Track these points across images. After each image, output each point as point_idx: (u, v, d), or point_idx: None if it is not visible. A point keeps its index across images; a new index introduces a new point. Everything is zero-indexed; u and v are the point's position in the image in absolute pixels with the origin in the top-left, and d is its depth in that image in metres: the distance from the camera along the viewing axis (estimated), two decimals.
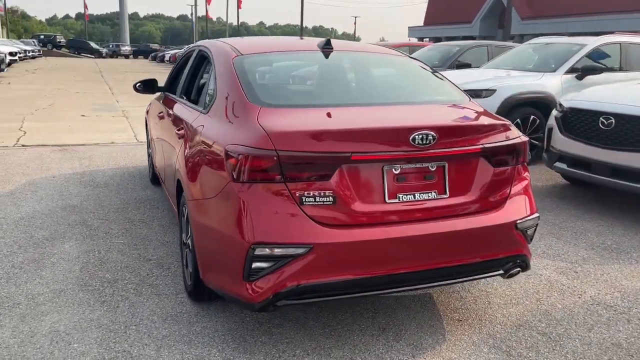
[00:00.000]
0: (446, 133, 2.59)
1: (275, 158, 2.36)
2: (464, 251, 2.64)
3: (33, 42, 47.15)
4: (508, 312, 3.15)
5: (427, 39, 39.28)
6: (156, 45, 68.62)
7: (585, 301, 3.33)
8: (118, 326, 2.90)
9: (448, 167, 2.63)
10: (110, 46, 58.91)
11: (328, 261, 2.40)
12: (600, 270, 3.79)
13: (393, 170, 2.52)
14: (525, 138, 2.89)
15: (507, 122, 2.87)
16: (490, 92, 6.72)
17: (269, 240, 2.35)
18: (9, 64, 25.90)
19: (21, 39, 50.63)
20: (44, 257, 3.76)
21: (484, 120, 2.86)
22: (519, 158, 2.85)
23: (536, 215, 2.88)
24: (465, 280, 2.77)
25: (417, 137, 2.49)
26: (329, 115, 2.65)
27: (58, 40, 56.37)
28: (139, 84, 4.80)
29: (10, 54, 25.98)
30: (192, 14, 62.27)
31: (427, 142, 2.51)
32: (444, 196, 2.63)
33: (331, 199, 2.41)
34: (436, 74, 3.47)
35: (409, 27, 44.67)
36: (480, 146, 2.67)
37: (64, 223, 4.47)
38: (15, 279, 3.41)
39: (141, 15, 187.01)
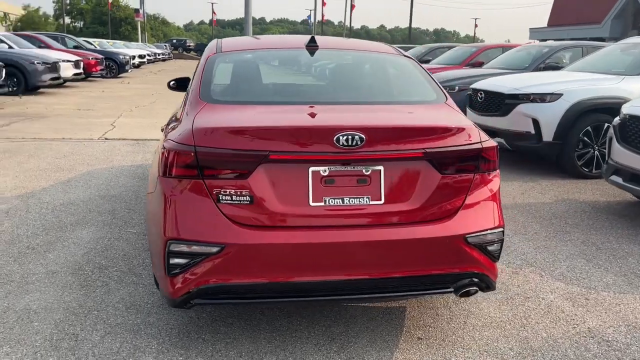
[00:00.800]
0: (377, 135, 2.41)
1: (192, 154, 2.34)
2: (402, 263, 2.44)
3: (165, 45, 51.15)
4: (480, 336, 2.86)
5: (550, 41, 36.78)
6: None
7: (579, 332, 2.93)
8: (82, 310, 3.04)
9: (385, 171, 2.45)
10: None
11: (242, 262, 2.33)
12: (618, 299, 3.32)
13: (321, 172, 2.39)
14: (490, 144, 2.61)
15: (466, 126, 2.60)
16: (555, 96, 6.16)
17: (184, 236, 2.34)
18: (138, 66, 28.28)
19: (155, 43, 55.12)
20: (58, 241, 4.06)
21: (435, 123, 2.62)
22: (479, 165, 2.57)
23: (498, 230, 2.59)
24: (409, 296, 2.57)
25: (341, 137, 2.34)
26: (263, 113, 2.58)
27: (188, 44, 60.68)
28: (172, 82, 5.00)
29: (140, 56, 28.36)
30: (309, 18, 63.88)
31: (354, 143, 2.35)
32: (378, 202, 2.44)
33: (248, 198, 2.34)
34: (421, 73, 3.25)
35: (530, 28, 42.21)
36: (422, 150, 2.45)
37: (95, 211, 4.78)
38: (22, 259, 3.71)
39: (267, 20, 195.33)
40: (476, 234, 2.51)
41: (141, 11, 59.05)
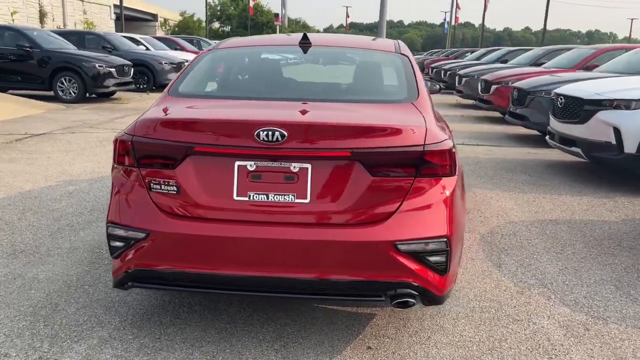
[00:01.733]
0: (300, 132, 2.35)
1: (130, 144, 2.47)
2: (325, 266, 2.36)
3: None
4: (436, 354, 2.67)
5: None
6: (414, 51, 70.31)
7: None
8: (77, 284, 3.33)
9: (313, 169, 2.38)
10: None
11: (165, 250, 2.42)
12: (625, 335, 2.89)
13: (247, 167, 2.39)
14: (436, 148, 2.42)
15: (407, 127, 2.44)
16: None
17: (118, 221, 2.48)
18: None
19: None
20: (96, 221, 4.46)
21: (366, 122, 2.48)
22: (420, 169, 2.40)
23: (440, 239, 2.39)
24: (336, 300, 2.46)
25: (261, 133, 2.32)
26: (208, 106, 2.64)
27: None
28: None
29: None
30: (444, 20, 62.40)
31: (274, 139, 2.32)
32: (304, 201, 2.38)
33: (175, 188, 2.42)
34: (404, 72, 3.09)
35: None
36: (350, 150, 2.34)
37: None
38: (57, 234, 4.14)
39: (406, 23, 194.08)
40: (409, 242, 2.34)
41: (281, 15, 61.88)
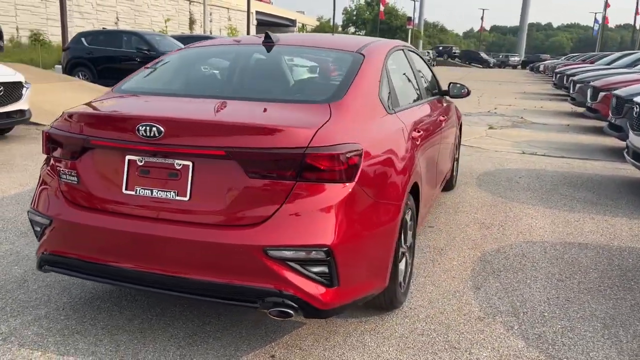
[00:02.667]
0: (177, 128, 2.33)
1: (47, 134, 2.64)
2: (199, 266, 2.32)
3: (428, 52, 52.13)
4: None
5: None
6: (547, 55, 66.11)
7: None
8: None
9: (195, 167, 2.35)
10: (500, 57, 59.92)
11: (66, 237, 2.54)
12: None
13: (137, 161, 2.44)
14: (322, 152, 2.26)
15: (291, 128, 2.31)
16: None
17: (34, 207, 2.67)
18: None
19: (419, 50, 56.49)
20: None
21: (244, 121, 2.38)
22: (302, 173, 2.26)
23: (320, 249, 2.23)
24: (212, 301, 2.40)
25: (141, 128, 2.34)
26: (118, 102, 2.73)
27: (453, 51, 60.67)
28: None
29: None
30: (595, 21, 57.43)
31: (152, 134, 2.33)
32: (184, 199, 2.37)
33: (76, 179, 2.54)
34: (346, 73, 2.92)
35: None
36: (225, 149, 2.28)
37: None
38: None
39: (555, 25, 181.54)
40: (282, 248, 2.23)
41: (413, 19, 61.16)
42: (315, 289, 2.29)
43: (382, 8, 55.14)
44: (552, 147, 8.53)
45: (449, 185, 5.51)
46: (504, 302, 3.22)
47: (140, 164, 2.43)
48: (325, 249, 2.24)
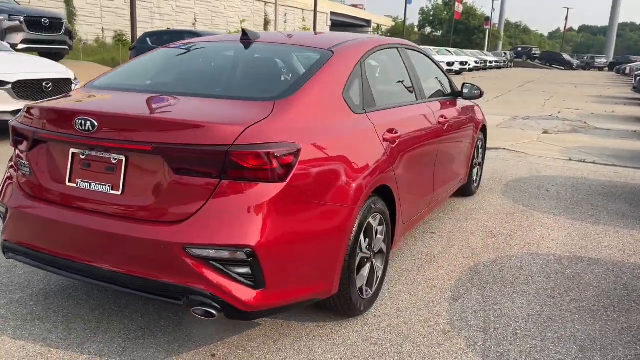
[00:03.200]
0: (110, 123, 2.36)
1: (12, 128, 2.76)
2: (127, 260, 2.34)
3: (505, 53, 50.31)
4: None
5: None
6: (639, 57, 61.80)
7: None
8: None
9: (128, 162, 2.37)
10: (585, 58, 56.77)
11: (19, 227, 2.64)
12: None
13: (80, 155, 2.49)
14: (248, 150, 2.21)
15: (222, 124, 2.27)
16: None
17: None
18: (459, 72, 29.22)
19: (494, 51, 54.68)
20: None
21: (169, 117, 2.39)
22: (226, 170, 2.22)
23: (242, 249, 2.18)
24: (142, 295, 2.40)
25: (77, 121, 2.39)
26: (82, 96, 2.79)
27: (533, 52, 58.16)
28: None
29: (448, 63, 29.17)
30: None
31: (87, 128, 2.37)
32: (117, 193, 2.39)
33: (29, 170, 2.63)
34: (299, 71, 2.86)
35: None
36: (151, 144, 2.28)
37: None
38: None
39: None
40: (203, 247, 2.20)
41: (496, 19, 59.16)
42: (238, 290, 2.24)
43: (458, 7, 53.66)
44: (604, 155, 7.96)
45: (466, 191, 5.27)
46: (478, 316, 3.03)
47: (83, 157, 2.49)
48: (247, 250, 2.19)
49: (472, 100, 5.12)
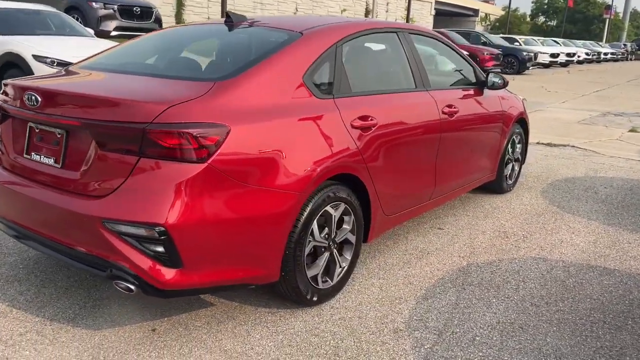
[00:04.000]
0: (50, 98, 2.48)
1: None
2: (65, 231, 2.44)
3: (624, 44, 46.36)
4: (216, 346, 2.48)
5: None
6: None
7: None
8: None
9: (68, 136, 2.48)
10: None
11: None
12: None
13: (35, 129, 2.64)
14: (171, 128, 2.22)
15: (144, 101, 2.30)
16: None
17: None
18: (548, 65, 27.44)
19: (612, 42, 50.43)
20: None
21: (97, 93, 2.45)
22: (145, 149, 2.25)
23: (155, 227, 2.20)
24: (77, 266, 2.48)
25: (26, 96, 2.53)
26: (52, 74, 2.94)
27: None
28: None
29: (552, 55, 27.38)
30: None
31: (33, 103, 2.50)
32: (57, 166, 2.51)
33: (1, 143, 2.83)
34: (256, 53, 2.80)
35: None
36: (80, 120, 2.36)
37: None
38: None
39: None
40: (120, 223, 2.25)
41: (624, 7, 54.45)
42: (155, 268, 2.27)
43: None
44: None
45: (497, 188, 4.95)
46: (441, 318, 2.84)
47: (37, 131, 2.63)
48: (160, 228, 2.21)
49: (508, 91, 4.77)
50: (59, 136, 2.53)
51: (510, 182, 5.09)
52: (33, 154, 2.65)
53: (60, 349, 2.46)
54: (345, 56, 3.12)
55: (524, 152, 5.32)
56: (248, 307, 2.89)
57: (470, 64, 4.36)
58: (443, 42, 4.15)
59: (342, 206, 2.91)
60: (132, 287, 2.31)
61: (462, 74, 4.30)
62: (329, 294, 2.96)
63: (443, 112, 3.72)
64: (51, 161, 2.55)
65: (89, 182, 2.38)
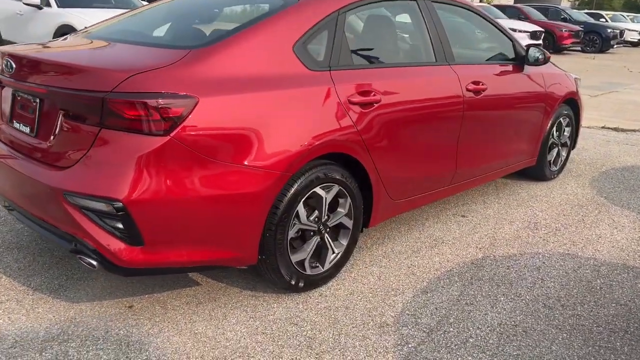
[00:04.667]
0: (22, 64, 2.42)
1: None
2: (34, 201, 2.40)
3: None
4: (187, 329, 2.39)
5: None
6: None
7: None
8: None
9: (42, 104, 2.40)
10: None
11: None
12: None
13: (17, 96, 2.59)
14: (132, 98, 2.09)
15: (105, 69, 2.18)
16: None
17: None
18: (637, 44, 25.47)
19: None
20: None
21: (62, 60, 2.35)
22: (105, 119, 2.13)
23: (113, 203, 2.09)
24: (52, 238, 2.43)
25: (3, 62, 2.48)
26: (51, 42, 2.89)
27: None
28: None
29: None
30: None
31: (9, 70, 2.45)
32: (32, 134, 2.45)
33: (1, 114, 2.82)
34: (244, 21, 2.59)
35: None
36: (46, 87, 2.28)
37: None
38: None
39: None
40: (79, 196, 2.16)
41: None
42: (115, 245, 2.18)
43: None
44: None
45: (538, 174, 4.54)
46: (436, 315, 2.60)
47: (19, 98, 2.59)
48: (117, 203, 2.11)
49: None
50: (34, 104, 2.47)
51: (554, 168, 4.65)
52: (15, 122, 2.61)
53: (32, 321, 2.44)
54: (349, 25, 2.87)
55: (574, 136, 4.84)
56: (233, 289, 2.77)
57: (509, 38, 3.96)
58: (476, 13, 3.78)
59: (335, 188, 2.70)
60: (94, 262, 2.23)
61: (497, 48, 3.92)
62: (319, 281, 2.78)
63: (467, 90, 3.39)
64: (27, 130, 2.50)
65: (55, 153, 2.31)
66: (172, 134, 2.14)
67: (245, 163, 2.31)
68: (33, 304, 2.58)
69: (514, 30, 16.14)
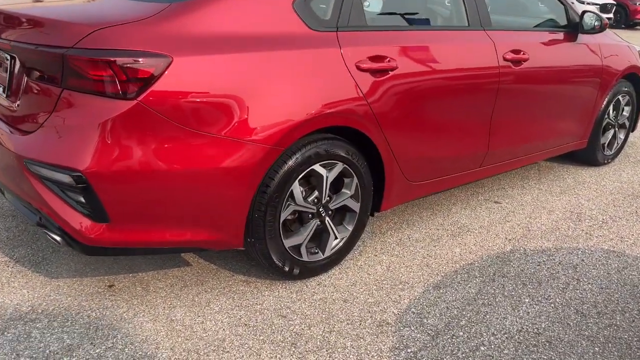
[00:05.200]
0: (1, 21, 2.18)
1: None
2: (6, 170, 2.20)
3: None
4: (169, 314, 2.18)
5: None
6: None
7: None
8: None
9: (13, 62, 2.17)
10: None
11: None
12: None
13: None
14: (95, 55, 1.84)
15: (70, 22, 1.94)
16: None
17: None
18: None
19: None
20: None
21: (31, 13, 2.10)
22: (66, 79, 1.90)
23: (73, 172, 1.87)
24: (21, 211, 2.24)
25: None
26: None
27: None
28: None
29: None
30: None
31: None
32: (4, 95, 2.25)
33: None
34: None
35: None
36: (9, 43, 2.06)
37: None
38: None
39: None
40: (38, 164, 1.94)
41: None
42: (78, 220, 1.96)
43: None
44: None
45: (590, 158, 4.05)
46: (445, 315, 2.27)
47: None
48: (76, 174, 1.88)
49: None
50: (6, 62, 2.26)
51: (608, 152, 4.14)
52: None
53: (5, 296, 2.28)
54: None
55: (635, 116, 4.29)
56: (224, 272, 2.53)
57: (562, 1, 3.47)
58: None
59: (339, 166, 2.39)
60: (57, 238, 2.03)
61: (547, 13, 3.45)
62: (318, 268, 2.49)
63: (505, 59, 2.97)
64: (1, 90, 2.31)
65: (21, 116, 2.11)
66: (139, 98, 1.88)
67: (227, 134, 2.03)
68: (10, 277, 2.42)
69: (582, 2, 15.06)
